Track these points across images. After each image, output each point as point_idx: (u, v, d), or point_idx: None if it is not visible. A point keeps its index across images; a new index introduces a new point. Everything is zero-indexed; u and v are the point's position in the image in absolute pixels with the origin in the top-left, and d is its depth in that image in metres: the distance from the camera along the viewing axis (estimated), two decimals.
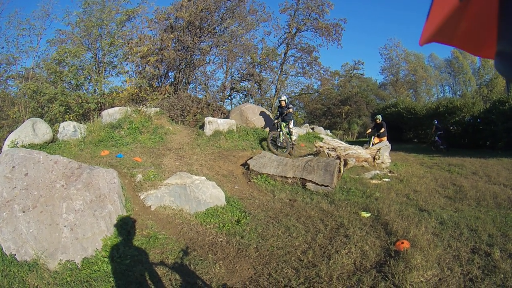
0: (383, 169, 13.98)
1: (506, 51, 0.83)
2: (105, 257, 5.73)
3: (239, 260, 6.19)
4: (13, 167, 6.28)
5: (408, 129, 32.68)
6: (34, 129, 10.87)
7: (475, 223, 7.40)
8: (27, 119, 13.08)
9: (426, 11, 1.04)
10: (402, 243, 6.24)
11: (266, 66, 28.62)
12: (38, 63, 22.03)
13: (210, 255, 6.28)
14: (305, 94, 37.42)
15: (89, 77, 18.72)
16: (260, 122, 17.18)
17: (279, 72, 31.41)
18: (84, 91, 18.75)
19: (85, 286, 5.05)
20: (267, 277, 5.57)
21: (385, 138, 18.76)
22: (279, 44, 31.71)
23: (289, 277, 5.48)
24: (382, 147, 15.19)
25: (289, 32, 30.76)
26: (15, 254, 5.47)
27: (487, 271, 5.27)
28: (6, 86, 23.52)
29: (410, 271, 5.23)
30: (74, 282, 5.14)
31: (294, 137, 16.25)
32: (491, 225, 7.30)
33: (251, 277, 5.65)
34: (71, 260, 5.58)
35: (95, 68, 19.25)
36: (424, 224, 7.38)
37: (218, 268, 5.82)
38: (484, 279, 5.00)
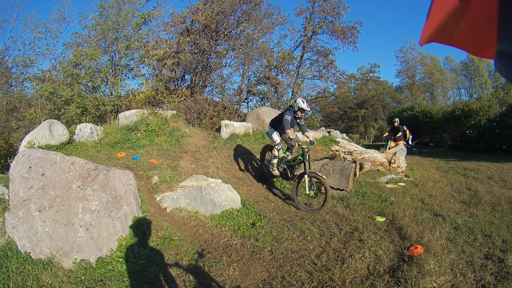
0: (399, 173, 13.89)
1: (506, 51, 0.85)
2: (120, 257, 5.80)
3: (253, 263, 6.23)
4: (30, 167, 6.34)
5: (424, 132, 32.42)
6: (50, 131, 10.95)
7: (489, 229, 7.38)
8: (43, 120, 13.18)
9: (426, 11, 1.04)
10: (416, 248, 6.26)
11: (282, 69, 28.57)
12: (54, 65, 22.37)
13: (224, 257, 6.32)
14: (322, 97, 37.32)
15: (105, 80, 18.86)
16: None
17: (295, 75, 31.42)
18: (101, 93, 18.90)
19: (99, 285, 5.12)
20: (281, 280, 5.59)
21: (402, 142, 18.72)
22: (295, 47, 31.79)
23: (303, 281, 5.51)
24: (398, 151, 15.08)
25: (305, 35, 30.77)
26: (30, 252, 5.57)
27: (500, 278, 5.26)
28: (22, 87, 24.15)
29: (423, 276, 5.25)
30: (88, 281, 5.22)
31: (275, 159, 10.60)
32: (506, 230, 7.27)
33: (265, 279, 5.69)
34: (86, 260, 5.67)
35: (112, 70, 19.39)
36: (438, 229, 7.39)
37: (232, 270, 5.86)
38: (497, 286, 5.00)
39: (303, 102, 10.10)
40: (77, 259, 5.62)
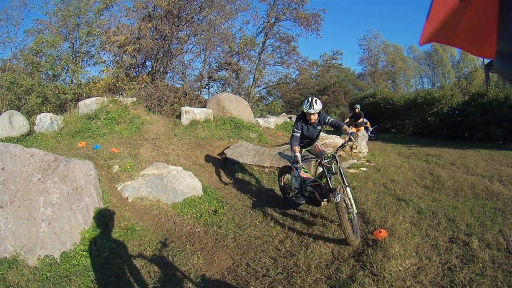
0: (361, 158, 13.99)
1: (506, 51, 0.87)
2: (84, 251, 5.79)
3: (217, 251, 6.32)
4: None
5: (386, 119, 32.73)
6: (11, 122, 10.83)
7: (453, 213, 7.49)
8: (4, 111, 13.00)
9: (426, 11, 1.09)
10: (380, 232, 6.37)
11: (244, 55, 28.67)
12: (15, 54, 22.01)
13: (188, 246, 6.41)
14: (283, 83, 37.32)
15: (66, 67, 18.64)
16: (237, 111, 17.06)
17: (257, 62, 31.47)
18: (61, 81, 18.69)
19: (65, 281, 5.12)
20: (245, 267, 5.70)
21: (363, 128, 18.93)
22: (257, 33, 31.75)
23: (267, 267, 5.62)
24: (359, 136, 15.20)
25: (268, 21, 30.72)
26: None
27: (465, 260, 5.38)
28: None
29: (389, 260, 5.35)
30: (53, 278, 5.20)
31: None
32: (469, 215, 7.38)
33: (229, 267, 5.79)
34: (50, 255, 5.64)
35: (72, 58, 19.19)
36: (401, 213, 7.50)
37: (196, 259, 5.94)
38: (463, 268, 5.11)
39: (307, 102, 7.50)
40: (42, 255, 5.59)
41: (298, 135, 7.73)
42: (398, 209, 7.85)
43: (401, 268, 5.21)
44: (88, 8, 19.39)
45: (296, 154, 7.30)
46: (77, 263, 5.55)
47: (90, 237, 6.04)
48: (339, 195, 6.37)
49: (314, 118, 7.57)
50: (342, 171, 6.90)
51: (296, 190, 8.01)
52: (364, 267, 5.30)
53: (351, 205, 6.52)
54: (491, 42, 1.01)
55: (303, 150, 8.18)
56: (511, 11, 0.85)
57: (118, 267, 5.46)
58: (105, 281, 5.16)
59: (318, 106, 7.35)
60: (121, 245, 6.07)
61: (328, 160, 6.99)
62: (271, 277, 5.32)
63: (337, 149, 7.42)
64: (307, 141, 8.16)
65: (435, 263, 5.34)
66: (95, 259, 5.58)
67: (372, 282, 4.89)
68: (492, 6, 0.90)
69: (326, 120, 7.79)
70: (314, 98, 7.47)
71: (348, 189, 6.65)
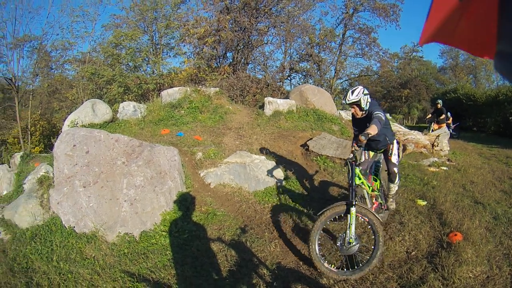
0: (442, 156, 13.53)
1: (506, 51, 0.85)
2: (163, 231, 5.96)
3: (294, 240, 6.30)
4: (74, 145, 6.52)
5: (467, 116, 31.47)
6: (93, 110, 11.23)
7: None
8: (85, 100, 13.49)
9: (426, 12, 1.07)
10: (455, 235, 6.10)
11: (324, 46, 28.37)
12: (94, 47, 23.20)
13: (266, 234, 6.38)
14: (365, 76, 36.56)
15: (146, 59, 19.24)
16: (319, 103, 16.61)
17: (338, 53, 30.94)
18: (143, 72, 19.30)
19: (142, 258, 5.26)
20: None
21: (444, 124, 18.30)
22: (336, 24, 31.21)
23: (342, 260, 5.53)
24: (441, 134, 14.75)
25: (346, 12, 30.06)
26: (74, 227, 5.79)
27: None
28: (63, 70, 25.17)
29: (460, 265, 5.12)
30: (131, 254, 5.37)
31: (395, 188, 6.72)
32: None
33: (305, 257, 5.74)
34: (130, 233, 5.84)
35: (152, 50, 19.77)
36: (478, 217, 7.10)
37: (274, 247, 5.93)
38: None
39: (346, 94, 6.21)
40: (121, 233, 5.79)
41: (357, 133, 6.50)
42: (475, 212, 7.43)
43: (471, 275, 4.98)
44: (165, 2, 19.86)
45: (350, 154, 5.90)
46: (155, 242, 5.71)
47: (171, 219, 6.21)
48: (318, 217, 5.51)
49: (355, 111, 6.23)
50: (353, 183, 5.61)
51: (365, 200, 6.73)
52: (436, 270, 5.12)
53: (349, 232, 5.32)
54: (491, 42, 0.96)
55: (375, 153, 6.81)
56: (511, 11, 0.84)
57: (196, 248, 5.54)
58: (182, 261, 5.24)
59: (353, 96, 5.98)
60: (200, 228, 6.16)
61: (351, 160, 5.80)
62: None
63: (352, 155, 5.82)
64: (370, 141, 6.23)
65: (504, 273, 5.07)
66: (174, 240, 5.71)
67: (441, 286, 4.74)
68: (492, 6, 0.89)
69: (375, 113, 5.81)
70: (357, 87, 6.15)
71: (353, 209, 5.30)
